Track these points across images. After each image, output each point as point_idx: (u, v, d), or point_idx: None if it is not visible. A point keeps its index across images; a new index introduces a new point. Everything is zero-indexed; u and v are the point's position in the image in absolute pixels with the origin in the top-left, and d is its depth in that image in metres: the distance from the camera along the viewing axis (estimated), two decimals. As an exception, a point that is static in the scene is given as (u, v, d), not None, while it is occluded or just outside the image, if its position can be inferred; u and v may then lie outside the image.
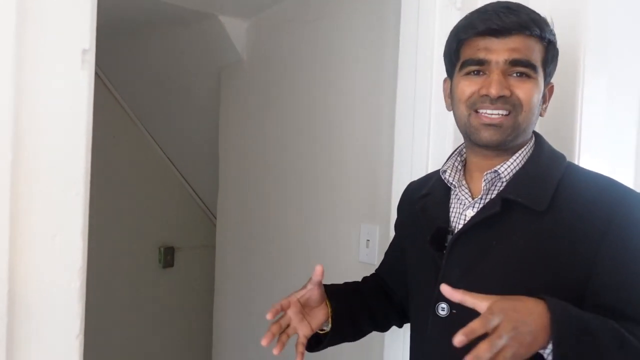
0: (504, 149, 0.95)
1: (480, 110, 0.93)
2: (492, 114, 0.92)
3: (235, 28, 2.07)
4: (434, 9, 1.35)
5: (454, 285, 0.87)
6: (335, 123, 1.78)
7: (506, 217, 0.91)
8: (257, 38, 2.08)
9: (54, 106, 0.62)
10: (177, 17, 2.05)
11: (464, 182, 1.01)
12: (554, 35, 0.95)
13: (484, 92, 0.92)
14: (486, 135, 0.93)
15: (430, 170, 1.40)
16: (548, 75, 0.96)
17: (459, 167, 1.03)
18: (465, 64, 0.95)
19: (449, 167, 1.03)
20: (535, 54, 0.92)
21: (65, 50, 0.62)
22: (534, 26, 0.90)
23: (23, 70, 0.59)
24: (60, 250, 0.63)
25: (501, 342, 0.72)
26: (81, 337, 0.66)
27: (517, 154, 0.96)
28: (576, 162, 1.33)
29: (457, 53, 0.97)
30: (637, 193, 0.91)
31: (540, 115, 0.98)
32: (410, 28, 1.43)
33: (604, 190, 0.90)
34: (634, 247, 0.86)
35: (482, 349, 0.71)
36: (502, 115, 0.92)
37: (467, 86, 0.94)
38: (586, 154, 1.35)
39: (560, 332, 0.76)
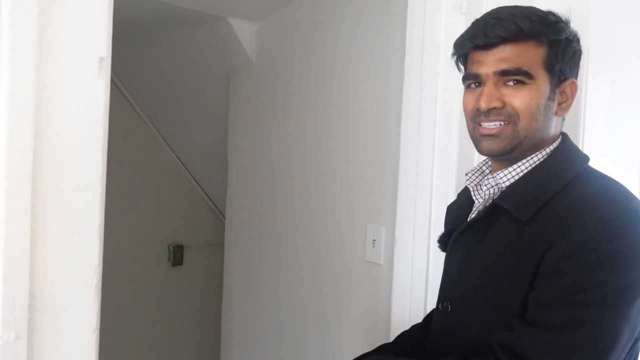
0: (513, 157, 0.95)
1: (481, 123, 0.94)
2: (488, 126, 0.93)
3: (245, 30, 2.09)
4: (439, 13, 1.38)
5: (455, 280, 0.95)
6: (343, 124, 1.81)
7: (495, 221, 0.93)
8: (266, 40, 2.11)
9: (72, 112, 0.64)
10: (188, 19, 2.08)
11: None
12: (558, 32, 0.91)
13: (476, 105, 0.93)
14: (485, 146, 0.94)
15: (435, 172, 1.43)
16: (560, 74, 0.93)
17: (487, 170, 1.04)
18: (465, 78, 0.97)
19: (472, 170, 1.04)
20: (530, 58, 0.90)
21: (83, 59, 0.65)
22: (521, 33, 0.88)
23: (43, 79, 0.61)
24: (78, 249, 0.65)
25: None
26: (97, 332, 0.69)
27: (522, 161, 0.95)
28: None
29: (464, 66, 0.99)
30: (611, 214, 0.84)
31: (557, 114, 0.95)
32: (416, 31, 1.45)
33: (577, 202, 0.86)
34: (570, 270, 0.82)
35: None
36: (501, 125, 0.91)
37: (469, 100, 0.96)
38: (589, 154, 1.36)
39: None
